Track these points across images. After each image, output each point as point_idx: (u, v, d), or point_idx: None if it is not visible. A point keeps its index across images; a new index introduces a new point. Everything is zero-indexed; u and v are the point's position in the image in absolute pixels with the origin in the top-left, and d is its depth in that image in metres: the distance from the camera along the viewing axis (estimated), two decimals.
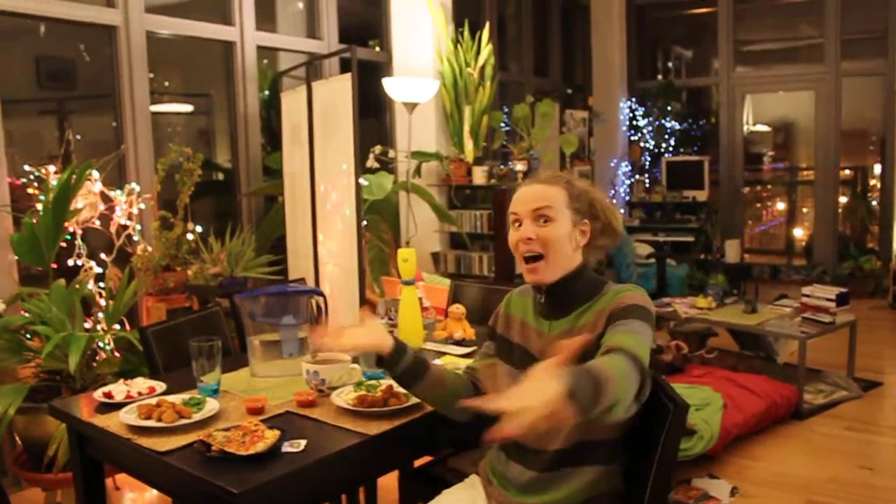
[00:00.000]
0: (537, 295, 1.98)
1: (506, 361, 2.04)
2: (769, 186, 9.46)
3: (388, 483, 3.00)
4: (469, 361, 2.26)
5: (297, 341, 2.55)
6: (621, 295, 1.84)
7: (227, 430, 1.93)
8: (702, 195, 8.30)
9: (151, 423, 2.03)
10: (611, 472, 1.90)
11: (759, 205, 9.51)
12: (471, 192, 6.14)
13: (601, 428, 1.82)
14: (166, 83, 4.91)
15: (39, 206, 3.59)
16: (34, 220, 3.47)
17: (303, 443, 1.90)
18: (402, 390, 2.18)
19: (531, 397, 1.42)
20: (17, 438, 3.35)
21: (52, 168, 3.71)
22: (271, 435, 1.88)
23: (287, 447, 1.88)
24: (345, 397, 2.18)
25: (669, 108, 8.82)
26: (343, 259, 4.18)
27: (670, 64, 9.80)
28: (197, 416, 2.07)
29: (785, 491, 3.61)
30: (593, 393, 1.47)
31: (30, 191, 3.73)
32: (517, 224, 1.93)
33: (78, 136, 3.94)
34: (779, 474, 3.78)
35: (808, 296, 5.01)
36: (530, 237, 1.88)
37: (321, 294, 2.71)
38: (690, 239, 8.11)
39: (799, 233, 9.15)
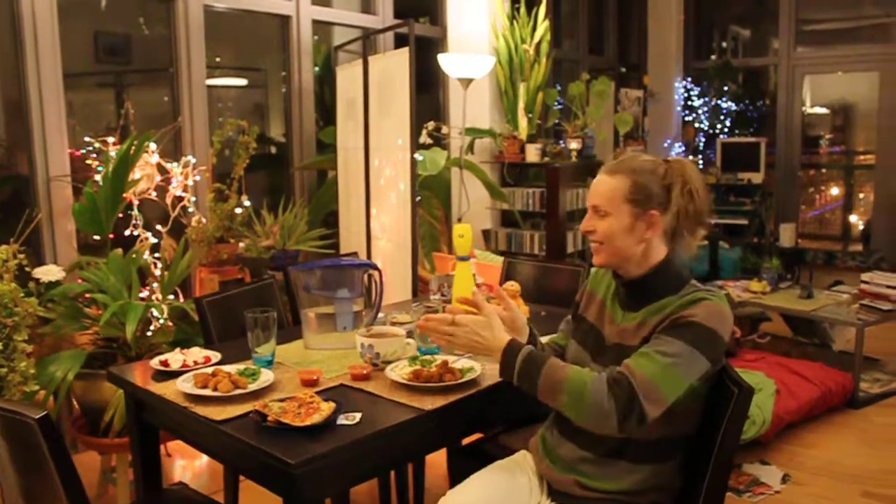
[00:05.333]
0: (617, 281, 1.96)
1: (579, 342, 2.02)
2: (825, 170, 9.23)
3: (436, 459, 3.01)
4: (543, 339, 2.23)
5: (352, 314, 2.56)
6: (694, 305, 1.77)
7: (282, 401, 1.94)
8: (757, 177, 8.13)
9: (208, 392, 2.06)
10: (668, 468, 1.88)
11: (813, 189, 9.29)
12: (523, 169, 6.09)
13: (673, 426, 1.80)
14: (217, 59, 4.93)
15: (98, 177, 3.65)
16: (94, 190, 3.52)
17: (358, 416, 1.91)
18: (457, 366, 2.18)
19: (474, 334, 1.89)
20: (75, 403, 3.42)
21: (111, 139, 3.76)
22: (327, 407, 1.88)
23: (342, 420, 1.89)
24: (399, 371, 2.18)
25: (726, 88, 8.63)
26: (396, 234, 4.18)
27: (725, 44, 9.59)
28: (252, 387, 2.09)
29: (839, 480, 3.54)
30: (527, 382, 1.81)
31: (89, 161, 3.78)
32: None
33: (132, 110, 3.98)
34: (832, 463, 3.71)
35: (867, 282, 4.89)
36: (590, 230, 1.91)
37: (375, 268, 2.71)
38: (744, 222, 7.95)
39: (854, 218, 8.93)
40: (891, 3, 7.86)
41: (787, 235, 7.55)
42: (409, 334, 2.45)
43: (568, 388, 1.74)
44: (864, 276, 4.95)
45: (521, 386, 1.83)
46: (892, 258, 7.77)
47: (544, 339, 2.18)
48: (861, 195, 8.83)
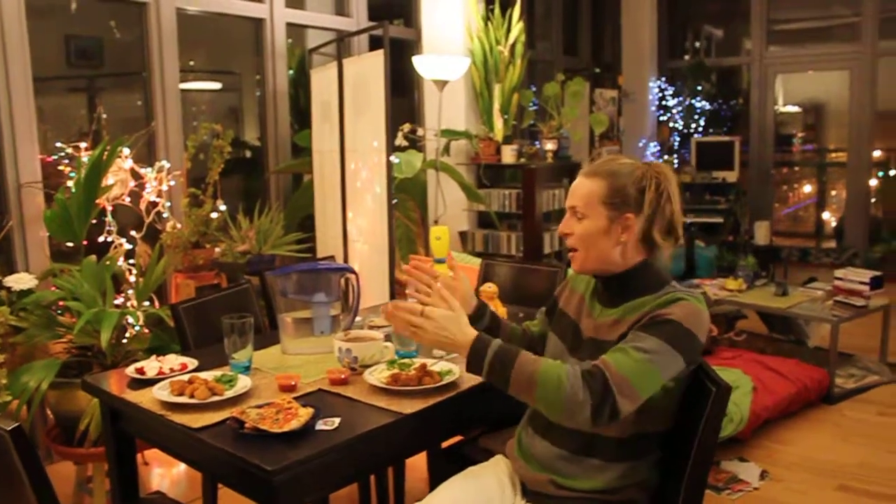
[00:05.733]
0: (596, 278, 1.98)
1: (558, 335, 2.03)
2: (797, 168, 9.33)
3: (417, 463, 3.00)
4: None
5: (329, 318, 2.54)
6: (672, 304, 1.79)
7: (260, 407, 1.93)
8: (731, 176, 8.20)
9: (184, 399, 2.03)
10: (643, 465, 1.89)
11: (787, 186, 9.39)
12: (499, 170, 6.10)
13: (647, 423, 1.81)
14: (191, 62, 4.90)
15: (70, 183, 3.60)
16: (66, 197, 3.48)
17: (336, 421, 1.90)
18: (435, 369, 2.17)
19: (442, 329, 1.84)
20: (49, 413, 3.38)
21: (83, 145, 3.72)
22: (305, 412, 1.87)
23: (321, 425, 1.88)
24: (378, 375, 2.17)
25: (699, 87, 8.70)
26: (373, 237, 4.17)
27: (698, 44, 9.66)
28: (229, 393, 2.07)
29: (815, 475, 3.57)
30: (498, 376, 1.78)
31: (61, 167, 3.74)
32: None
33: (104, 115, 3.94)
34: (809, 458, 3.75)
35: (840, 279, 4.94)
36: (565, 232, 1.93)
37: (352, 272, 2.70)
38: (719, 220, 8.02)
39: (827, 215, 9.02)
40: (859, 3, 7.95)
41: (761, 233, 7.62)
42: (388, 338, 2.44)
43: (541, 380, 1.73)
44: (838, 273, 5.00)
45: (491, 379, 1.81)
46: (865, 255, 7.86)
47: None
48: (833, 192, 8.93)
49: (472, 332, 1.86)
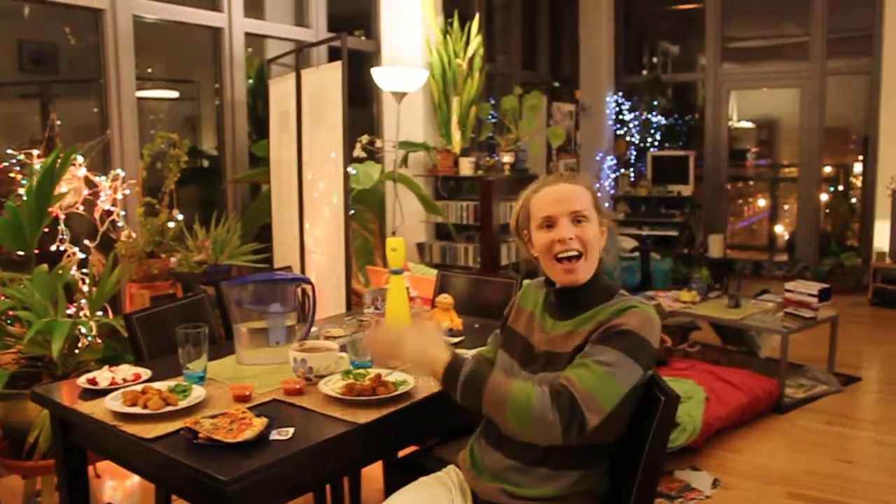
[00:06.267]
0: (549, 291, 1.99)
1: (507, 351, 2.05)
2: (751, 183, 9.51)
3: (373, 472, 3.01)
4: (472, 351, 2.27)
5: (284, 329, 2.54)
6: (624, 313, 1.83)
7: (214, 417, 1.92)
8: (686, 190, 8.34)
9: (137, 409, 2.02)
10: (593, 473, 1.91)
11: (741, 200, 9.56)
12: (457, 182, 6.13)
13: (600, 434, 1.83)
14: (149, 70, 4.86)
15: (22, 191, 3.55)
16: (18, 204, 3.43)
17: (291, 431, 1.90)
18: (390, 379, 2.18)
19: (422, 352, 1.88)
20: None
21: (35, 152, 3.67)
22: (259, 422, 1.87)
23: (275, 435, 1.87)
24: (332, 385, 2.17)
25: (655, 102, 8.84)
26: (330, 248, 4.16)
27: (656, 59, 9.82)
28: (183, 404, 2.06)
29: (765, 483, 3.64)
30: (471, 397, 1.81)
31: (12, 175, 3.68)
32: (548, 226, 1.91)
33: (58, 122, 3.89)
34: (760, 467, 3.81)
35: (790, 291, 5.04)
36: (570, 237, 1.88)
37: (309, 282, 2.70)
38: (674, 233, 8.15)
39: (780, 229, 9.21)
40: (809, 23, 8.15)
41: (715, 246, 7.76)
42: (343, 348, 2.44)
43: (512, 401, 1.75)
44: (788, 286, 5.10)
45: (464, 400, 1.84)
46: (815, 268, 8.04)
47: (472, 352, 2.22)
48: (786, 206, 9.12)
49: (448, 353, 1.88)
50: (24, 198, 3.45)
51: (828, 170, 8.54)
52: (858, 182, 8.39)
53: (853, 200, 8.41)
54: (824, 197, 8.48)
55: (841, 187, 8.58)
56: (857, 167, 8.44)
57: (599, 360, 1.76)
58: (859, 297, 7.54)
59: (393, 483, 2.51)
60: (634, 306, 1.84)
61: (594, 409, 1.72)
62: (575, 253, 1.88)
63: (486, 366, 2.05)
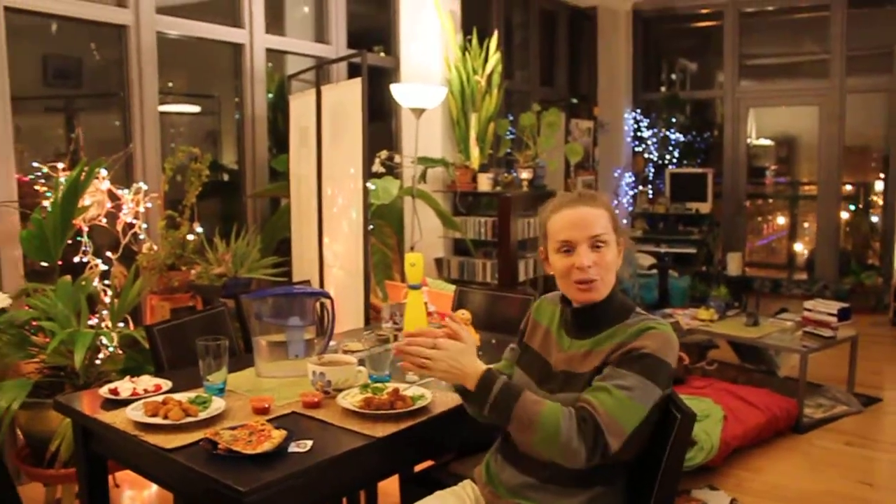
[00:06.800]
0: (566, 309, 1.99)
1: (523, 368, 2.05)
2: (770, 200, 9.47)
3: (389, 487, 3.01)
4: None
5: (303, 342, 2.56)
6: (644, 335, 1.83)
7: (233, 428, 1.94)
8: (705, 207, 8.32)
9: (158, 420, 2.04)
10: (610, 491, 1.91)
11: (760, 218, 9.52)
12: (475, 198, 6.15)
13: (618, 452, 1.82)
14: (170, 84, 4.92)
15: (47, 203, 3.60)
16: (43, 217, 3.48)
17: (309, 443, 1.91)
18: (408, 393, 2.20)
19: (454, 360, 1.86)
20: (20, 433, 3.35)
21: (60, 165, 3.73)
22: (278, 435, 1.89)
23: (293, 447, 1.89)
24: (350, 399, 2.18)
25: (674, 119, 8.84)
26: (348, 262, 4.19)
27: (674, 76, 9.82)
28: (203, 415, 2.08)
29: (783, 503, 3.61)
30: (500, 413, 1.81)
31: (37, 187, 3.74)
32: (566, 251, 1.91)
33: (81, 136, 3.95)
34: (777, 487, 3.79)
35: (809, 310, 5.02)
36: (589, 265, 1.88)
37: (328, 296, 2.72)
38: (692, 251, 8.13)
39: (800, 247, 9.16)
40: (828, 41, 8.14)
41: (734, 264, 7.73)
42: (361, 362, 2.46)
43: (541, 424, 1.75)
44: (807, 304, 5.08)
45: (491, 416, 1.83)
46: (835, 286, 7.99)
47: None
48: (805, 224, 9.07)
49: (482, 366, 1.89)
50: (49, 210, 3.50)
51: (848, 188, 8.50)
52: (879, 200, 8.33)
53: (874, 219, 8.36)
54: (844, 215, 8.44)
55: (861, 205, 8.53)
56: (878, 185, 8.38)
57: (620, 384, 1.77)
58: (880, 316, 7.48)
59: (409, 497, 2.52)
60: (653, 328, 1.84)
61: (616, 434, 1.74)
62: (591, 279, 1.89)
63: (517, 384, 2.05)
